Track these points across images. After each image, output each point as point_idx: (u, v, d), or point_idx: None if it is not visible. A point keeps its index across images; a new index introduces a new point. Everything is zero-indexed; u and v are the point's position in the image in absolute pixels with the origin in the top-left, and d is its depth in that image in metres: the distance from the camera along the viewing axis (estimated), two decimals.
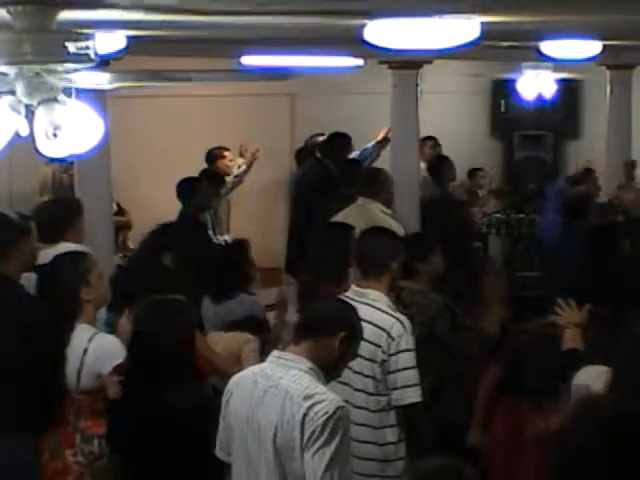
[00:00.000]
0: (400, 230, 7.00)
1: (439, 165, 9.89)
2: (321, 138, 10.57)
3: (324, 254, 6.30)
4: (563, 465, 3.38)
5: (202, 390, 4.26)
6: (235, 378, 4.09)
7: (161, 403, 4.36)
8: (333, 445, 3.77)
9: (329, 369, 4.02)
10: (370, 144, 10.46)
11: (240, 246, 6.85)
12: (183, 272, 6.10)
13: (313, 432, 3.77)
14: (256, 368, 4.08)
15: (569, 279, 7.23)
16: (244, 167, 10.15)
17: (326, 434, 3.77)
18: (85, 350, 4.81)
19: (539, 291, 8.31)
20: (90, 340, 4.84)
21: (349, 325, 4.08)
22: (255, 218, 11.39)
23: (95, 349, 4.82)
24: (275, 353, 4.04)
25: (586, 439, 3.35)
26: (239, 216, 10.43)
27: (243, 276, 6.61)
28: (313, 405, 3.79)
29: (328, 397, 3.84)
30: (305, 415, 3.78)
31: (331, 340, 3.99)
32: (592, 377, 4.29)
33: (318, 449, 3.77)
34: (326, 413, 3.77)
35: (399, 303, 5.56)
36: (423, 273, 6.06)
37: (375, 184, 7.92)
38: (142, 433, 4.43)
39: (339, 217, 7.44)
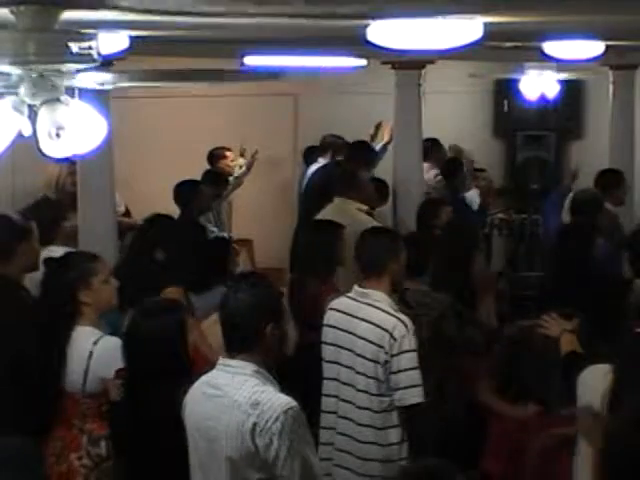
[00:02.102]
0: None
1: (453, 168, 9.92)
2: (339, 141, 10.61)
3: (310, 252, 6.40)
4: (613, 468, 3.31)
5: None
6: (190, 389, 3.97)
7: (153, 404, 4.35)
8: (299, 450, 3.68)
9: (276, 358, 3.90)
10: (377, 147, 10.45)
11: (223, 242, 6.88)
12: (174, 267, 6.07)
13: (271, 441, 3.65)
14: (205, 378, 3.94)
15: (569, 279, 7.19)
16: (244, 168, 10.15)
17: (287, 442, 3.65)
18: (90, 353, 4.74)
19: (541, 291, 8.27)
20: (95, 343, 4.77)
21: (270, 314, 3.85)
22: (258, 218, 11.38)
23: (99, 353, 4.74)
24: (221, 361, 3.89)
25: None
26: (242, 216, 10.43)
27: (221, 269, 6.57)
28: (262, 413, 3.66)
29: (276, 401, 3.70)
30: (255, 424, 3.66)
31: (262, 340, 3.82)
32: (597, 377, 4.29)
33: (286, 460, 3.66)
34: (277, 419, 3.64)
35: (403, 304, 5.56)
36: (424, 274, 6.08)
37: (351, 184, 7.91)
38: (139, 434, 4.42)
39: (319, 216, 7.51)
